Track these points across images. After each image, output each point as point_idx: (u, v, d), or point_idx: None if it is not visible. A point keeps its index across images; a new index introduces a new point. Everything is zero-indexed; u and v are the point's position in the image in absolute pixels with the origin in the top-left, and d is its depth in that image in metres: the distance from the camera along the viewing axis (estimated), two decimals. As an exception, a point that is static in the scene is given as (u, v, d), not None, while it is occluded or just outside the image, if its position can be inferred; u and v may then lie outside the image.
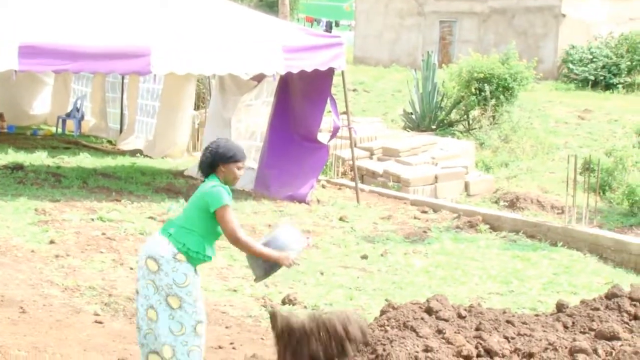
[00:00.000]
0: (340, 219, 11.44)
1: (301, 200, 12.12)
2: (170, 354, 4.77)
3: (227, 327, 6.80)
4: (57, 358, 5.71)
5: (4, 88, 18.47)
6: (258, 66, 12.07)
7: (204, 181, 4.97)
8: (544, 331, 5.44)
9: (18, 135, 17.93)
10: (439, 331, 5.38)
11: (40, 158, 14.43)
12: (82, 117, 18.62)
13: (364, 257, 9.43)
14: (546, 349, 5.09)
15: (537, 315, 6.08)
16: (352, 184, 13.35)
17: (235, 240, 4.90)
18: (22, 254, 8.42)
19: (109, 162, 14.87)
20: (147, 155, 15.82)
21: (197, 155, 15.55)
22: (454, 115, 19.72)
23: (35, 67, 11.21)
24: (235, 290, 7.85)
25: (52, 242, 8.90)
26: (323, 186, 13.59)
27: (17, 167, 13.13)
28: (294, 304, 7.38)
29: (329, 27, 47.47)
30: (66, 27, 11.09)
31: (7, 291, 7.17)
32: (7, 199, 10.81)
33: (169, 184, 13.11)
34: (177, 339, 4.77)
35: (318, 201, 12.39)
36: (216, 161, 4.90)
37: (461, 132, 18.95)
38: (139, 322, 4.91)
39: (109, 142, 17.81)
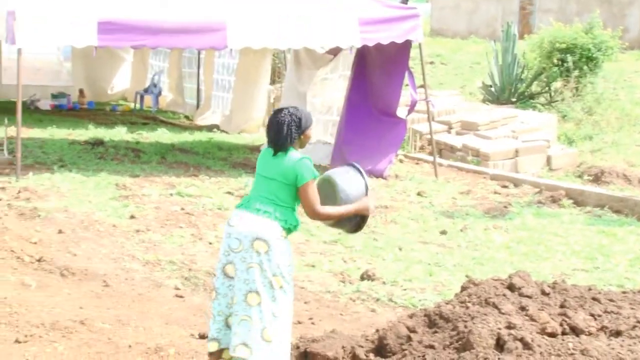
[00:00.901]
0: (419, 194, 11.36)
1: (379, 175, 12.06)
2: (271, 336, 4.63)
3: (305, 303, 6.81)
4: (140, 331, 5.80)
5: (84, 65, 18.95)
6: (334, 39, 12.03)
7: (275, 153, 4.75)
8: (632, 308, 5.28)
9: (98, 111, 18.34)
10: (522, 308, 5.27)
11: (119, 133, 14.73)
12: (160, 93, 18.92)
13: (443, 232, 9.33)
14: (634, 326, 4.94)
15: (624, 292, 5.90)
16: (430, 158, 13.19)
17: (316, 214, 4.76)
18: (104, 228, 8.59)
19: (186, 137, 15.07)
20: (223, 131, 15.98)
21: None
22: (535, 88, 19.27)
23: (114, 42, 11.36)
24: (313, 266, 7.85)
25: (132, 217, 9.06)
26: (401, 161, 13.49)
27: (98, 143, 13.42)
28: (372, 280, 7.35)
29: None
30: (143, 2, 11.23)
31: (90, 265, 7.34)
32: (89, 174, 11.06)
33: (246, 159, 13.21)
34: (277, 320, 4.66)
35: (396, 176, 12.32)
36: (300, 130, 4.75)
37: (542, 105, 18.50)
38: (229, 310, 4.73)
39: (186, 117, 18.05)
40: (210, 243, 8.30)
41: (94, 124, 15.56)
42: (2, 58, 17.57)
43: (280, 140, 4.73)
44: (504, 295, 5.50)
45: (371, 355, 5.16)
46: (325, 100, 13.99)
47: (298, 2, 12.17)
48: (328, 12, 11.95)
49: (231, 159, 13.22)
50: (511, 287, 5.57)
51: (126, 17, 10.75)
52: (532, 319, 5.10)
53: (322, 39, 12.06)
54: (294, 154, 4.77)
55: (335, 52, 13.18)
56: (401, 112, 12.86)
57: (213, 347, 4.77)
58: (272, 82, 18.40)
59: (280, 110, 4.83)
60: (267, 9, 11.74)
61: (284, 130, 4.73)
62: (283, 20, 11.65)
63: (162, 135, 15.00)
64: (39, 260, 7.30)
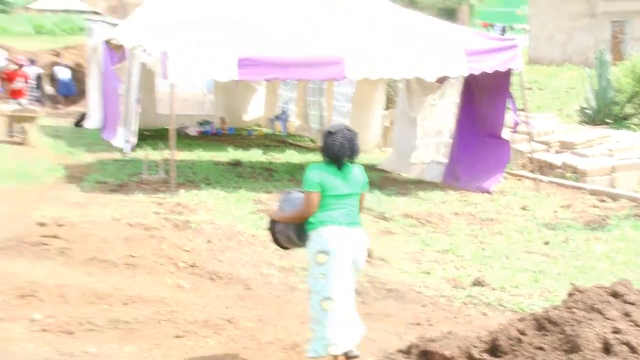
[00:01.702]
0: (522, 207, 11.07)
1: (485, 190, 11.84)
2: None
3: (422, 306, 6.74)
4: (279, 329, 5.88)
5: (225, 96, 19.45)
6: (443, 69, 11.95)
7: (343, 165, 4.98)
8: None
9: (236, 135, 18.74)
10: (626, 314, 5.04)
11: (255, 155, 15.01)
12: (288, 119, 19.20)
13: (546, 243, 9.06)
14: None
15: None
16: (531, 175, 12.87)
17: None
18: (245, 238, 8.74)
19: (312, 158, 15.14)
20: (344, 152, 16.02)
21: (388, 151, 15.66)
22: (628, 109, 18.54)
23: (251, 76, 11.64)
24: (428, 273, 7.76)
25: (268, 228, 9.18)
26: (504, 177, 13.18)
27: (237, 163, 13.72)
28: (482, 286, 7.21)
29: (503, 31, 46.10)
30: (276, 41, 11.44)
31: (234, 270, 7.49)
32: (230, 190, 11.30)
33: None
34: None
35: (500, 191, 12.05)
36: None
37: (636, 125, 17.78)
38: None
39: (311, 140, 18.21)
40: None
41: (234, 147, 15.91)
42: (157, 91, 18.22)
43: (355, 153, 5.01)
44: (608, 302, 5.27)
45: (485, 355, 5.03)
46: (435, 124, 13.84)
47: (409, 35, 12.15)
48: (437, 44, 11.87)
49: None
50: (615, 295, 5.33)
51: (262, 54, 10.97)
52: (637, 325, 4.87)
53: (433, 69, 11.99)
54: (357, 166, 5.12)
55: (442, 80, 13.07)
56: (505, 133, 12.60)
57: (339, 350, 4.93)
58: (386, 107, 18.37)
59: (340, 130, 5.05)
60: (381, 43, 11.77)
61: (356, 145, 5.02)
62: (396, 52, 11.65)
63: (291, 156, 15.20)
64: (191, 266, 7.50)
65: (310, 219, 4.99)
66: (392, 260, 8.06)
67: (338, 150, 4.94)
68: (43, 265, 7.26)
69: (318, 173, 4.99)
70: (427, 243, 8.77)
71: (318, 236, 4.92)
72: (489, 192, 11.82)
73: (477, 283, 7.28)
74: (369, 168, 13.93)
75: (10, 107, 15.87)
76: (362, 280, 7.17)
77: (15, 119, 15.19)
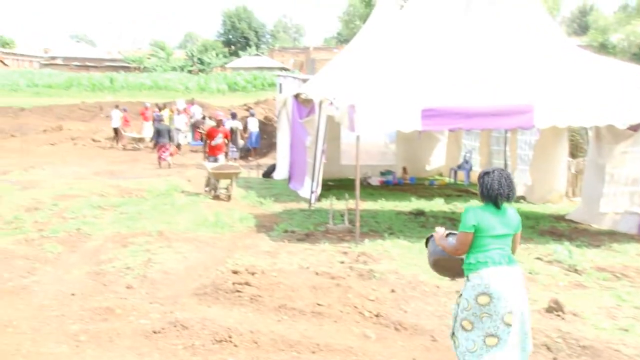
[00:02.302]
0: None
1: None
2: None
3: (621, 366, 6.31)
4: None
5: (406, 145, 19.60)
6: (636, 116, 11.26)
7: (500, 207, 5.22)
8: None
9: (418, 185, 18.75)
10: None
11: (437, 205, 14.90)
12: (471, 168, 18.97)
13: None
14: None
15: None
16: None
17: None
18: (429, 289, 8.66)
19: (496, 207, 14.83)
20: (529, 201, 15.55)
21: (577, 201, 14.96)
22: None
23: (435, 127, 11.56)
24: (626, 330, 7.25)
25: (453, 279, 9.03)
26: None
27: (420, 213, 13.67)
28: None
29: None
30: (459, 90, 11.34)
31: (419, 321, 7.42)
32: (413, 240, 11.26)
33: (552, 227, 12.68)
34: None
35: None
36: None
37: None
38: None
39: (495, 189, 17.80)
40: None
41: (416, 197, 15.91)
42: (342, 143, 18.70)
43: (513, 194, 5.20)
44: None
45: None
46: (627, 172, 13.05)
47: (600, 81, 11.63)
48: (630, 90, 11.26)
49: (538, 227, 12.76)
50: None
51: (445, 104, 10.91)
52: None
53: (625, 116, 11.32)
54: (512, 207, 5.28)
55: (636, 127, 12.33)
56: None
57: None
58: (573, 155, 17.64)
59: (495, 170, 5.27)
60: (571, 90, 11.34)
61: (513, 185, 5.21)
62: (587, 100, 11.16)
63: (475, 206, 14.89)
64: (376, 316, 7.52)
65: (470, 260, 5.21)
66: (585, 315, 7.63)
67: (498, 188, 5.17)
68: (237, 311, 7.59)
69: (474, 215, 5.21)
70: (623, 298, 8.22)
71: (479, 277, 5.13)
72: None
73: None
74: (557, 218, 13.46)
75: (211, 164, 16.11)
76: (554, 335, 6.86)
77: (220, 176, 15.69)
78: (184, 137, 29.20)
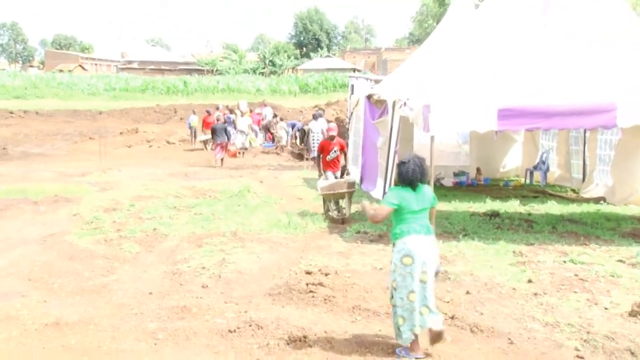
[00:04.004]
0: None
1: None
2: None
3: None
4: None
5: (481, 146, 19.33)
6: None
7: (417, 186, 6.36)
8: None
9: (492, 186, 18.47)
10: None
11: (513, 206, 14.63)
12: (548, 169, 18.59)
13: None
14: None
15: None
16: None
17: None
18: (505, 291, 8.52)
19: (574, 208, 14.50)
20: (609, 202, 15.12)
21: (661, 202, 14.49)
22: None
23: (511, 127, 11.31)
24: None
25: (529, 281, 8.89)
26: None
27: (494, 215, 13.45)
28: None
29: None
30: (537, 89, 11.12)
31: (495, 323, 7.31)
32: (488, 242, 11.10)
33: (634, 229, 12.30)
34: None
35: None
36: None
37: None
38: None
39: (573, 190, 17.42)
40: (606, 308, 7.79)
41: (490, 198, 15.67)
42: (415, 143, 18.56)
43: (425, 177, 6.37)
44: None
45: None
46: None
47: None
48: None
49: (619, 228, 12.39)
50: None
51: (523, 103, 10.70)
52: None
53: None
54: (428, 186, 6.49)
55: None
56: None
57: (422, 329, 6.25)
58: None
59: (410, 160, 6.33)
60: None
61: (425, 169, 6.36)
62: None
63: (552, 207, 14.60)
64: (452, 318, 7.44)
65: (396, 230, 6.36)
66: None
67: (412, 174, 6.30)
68: (310, 311, 7.63)
69: (397, 195, 6.35)
70: None
71: (403, 243, 6.27)
72: None
73: None
74: (639, 219, 13.03)
75: (322, 182, 13.86)
76: (638, 340, 6.65)
77: (331, 196, 13.56)
78: (245, 137, 29.08)
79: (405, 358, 6.29)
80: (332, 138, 14.21)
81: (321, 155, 14.34)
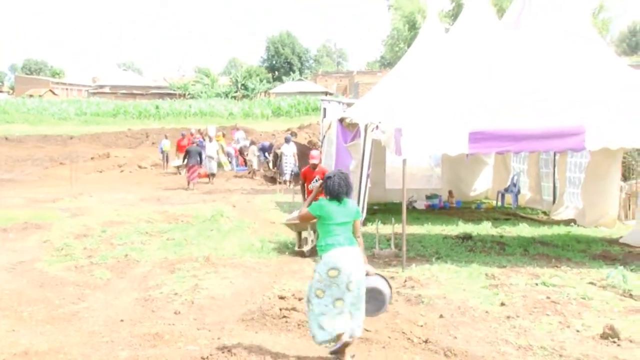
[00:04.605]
0: None
1: None
2: None
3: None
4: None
5: (452, 169, 19.51)
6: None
7: (341, 202, 6.75)
8: None
9: (465, 209, 18.59)
10: None
11: (485, 228, 14.73)
12: (519, 191, 18.76)
13: None
14: None
15: None
16: None
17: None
18: (478, 314, 8.54)
19: (545, 231, 14.63)
20: (580, 225, 15.28)
21: (630, 224, 14.66)
22: None
23: (482, 149, 11.41)
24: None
25: (502, 304, 8.92)
26: None
27: (467, 237, 13.53)
28: None
29: None
30: (508, 112, 11.24)
31: (469, 347, 7.31)
32: (461, 265, 11.15)
33: (605, 251, 12.44)
34: None
35: None
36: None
37: None
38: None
39: (544, 212, 17.59)
40: (578, 331, 7.84)
41: (462, 221, 15.77)
42: (387, 167, 18.68)
43: (350, 192, 6.77)
44: None
45: None
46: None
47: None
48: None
49: (590, 251, 12.52)
50: None
51: (494, 126, 10.81)
52: None
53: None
54: (351, 200, 6.90)
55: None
56: None
57: (346, 336, 6.64)
58: (625, 177, 17.33)
59: (335, 174, 6.79)
60: (623, 111, 11.13)
61: (350, 184, 6.81)
62: (639, 120, 10.96)
63: (523, 230, 14.73)
64: (425, 342, 7.44)
65: (321, 243, 6.69)
66: (641, 342, 7.44)
67: (338, 188, 6.72)
68: (284, 337, 7.59)
69: (320, 208, 6.74)
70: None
71: (329, 257, 6.59)
72: None
73: None
74: (610, 242, 13.20)
75: (291, 215, 13.52)
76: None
77: (295, 227, 12.68)
78: (214, 163, 27.87)
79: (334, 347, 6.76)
80: (314, 167, 12.99)
81: (305, 184, 13.14)
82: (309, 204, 7.18)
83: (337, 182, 6.72)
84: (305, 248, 12.16)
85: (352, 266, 6.55)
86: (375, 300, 7.16)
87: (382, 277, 7.43)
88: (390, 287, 7.43)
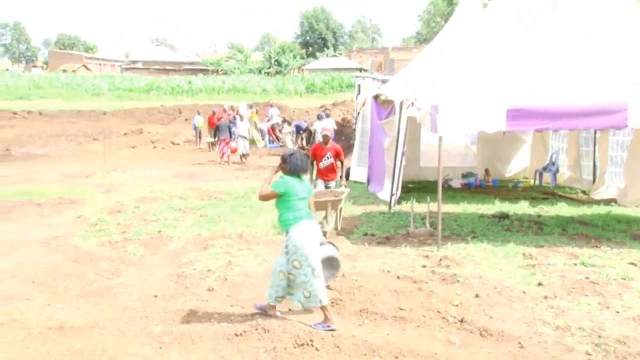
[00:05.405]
0: None
1: None
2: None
3: None
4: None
5: (489, 147, 19.29)
6: None
7: (301, 178, 7.47)
8: None
9: (501, 187, 18.42)
10: None
11: (522, 208, 14.59)
12: (557, 170, 18.53)
13: None
14: None
15: None
16: None
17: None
18: (515, 294, 8.50)
19: (584, 210, 14.46)
20: (621, 204, 15.07)
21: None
22: None
23: (520, 127, 11.24)
24: None
25: (540, 284, 8.86)
26: None
27: (503, 216, 13.42)
28: None
29: None
30: (546, 89, 11.07)
31: (505, 327, 7.29)
32: (498, 244, 11.08)
33: (646, 231, 12.25)
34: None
35: None
36: None
37: None
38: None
39: (583, 192, 17.36)
40: (618, 312, 7.76)
41: (499, 199, 15.64)
42: (422, 144, 18.57)
43: (307, 169, 7.49)
44: None
45: None
46: None
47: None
48: None
49: (631, 231, 12.35)
50: None
51: (532, 104, 10.65)
52: None
53: None
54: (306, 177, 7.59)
55: None
56: None
57: (325, 300, 7.29)
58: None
59: (296, 152, 7.50)
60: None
61: (307, 163, 7.50)
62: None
63: (562, 209, 14.57)
64: (460, 321, 7.43)
65: (287, 217, 7.26)
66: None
67: (300, 165, 7.38)
68: (317, 315, 7.62)
69: (284, 184, 7.29)
70: None
71: (300, 228, 7.20)
72: None
73: None
74: (650, 222, 12.98)
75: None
76: None
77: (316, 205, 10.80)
78: (247, 143, 27.07)
79: (323, 329, 7.12)
80: (325, 142, 12.85)
81: (314, 162, 13.06)
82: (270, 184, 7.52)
83: (299, 159, 7.40)
84: (326, 228, 11.83)
85: (313, 237, 7.29)
86: (330, 267, 8.00)
87: (332, 243, 8.21)
88: (338, 250, 8.31)
